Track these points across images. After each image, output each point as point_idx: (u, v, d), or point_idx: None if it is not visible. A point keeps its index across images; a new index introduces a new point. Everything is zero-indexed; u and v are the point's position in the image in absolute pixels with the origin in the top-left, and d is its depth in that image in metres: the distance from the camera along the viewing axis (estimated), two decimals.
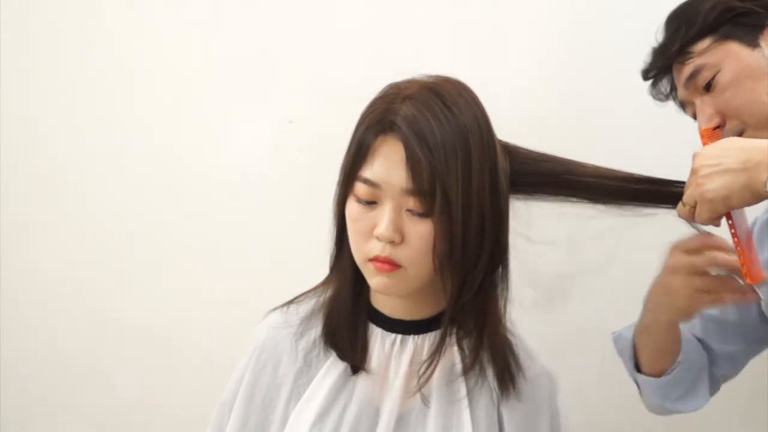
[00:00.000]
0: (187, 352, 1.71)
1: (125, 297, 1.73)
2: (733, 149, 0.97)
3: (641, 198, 1.10)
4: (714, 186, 0.96)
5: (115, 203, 1.73)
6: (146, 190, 1.72)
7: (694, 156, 1.00)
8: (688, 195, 1.00)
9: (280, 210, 1.68)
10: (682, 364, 1.19)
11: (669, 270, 1.07)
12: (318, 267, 1.11)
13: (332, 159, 1.03)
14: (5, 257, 1.77)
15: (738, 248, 1.02)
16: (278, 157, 1.68)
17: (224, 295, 1.68)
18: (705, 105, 1.18)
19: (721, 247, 1.03)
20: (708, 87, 1.17)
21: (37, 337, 1.77)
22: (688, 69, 1.18)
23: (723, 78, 1.16)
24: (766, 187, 0.91)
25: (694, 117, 1.22)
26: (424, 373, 1.02)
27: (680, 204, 1.02)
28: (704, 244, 1.04)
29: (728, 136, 1.12)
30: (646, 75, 1.26)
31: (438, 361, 1.02)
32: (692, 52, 1.18)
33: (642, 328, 1.19)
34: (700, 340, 1.27)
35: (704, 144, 1.07)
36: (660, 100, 1.28)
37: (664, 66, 1.23)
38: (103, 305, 1.74)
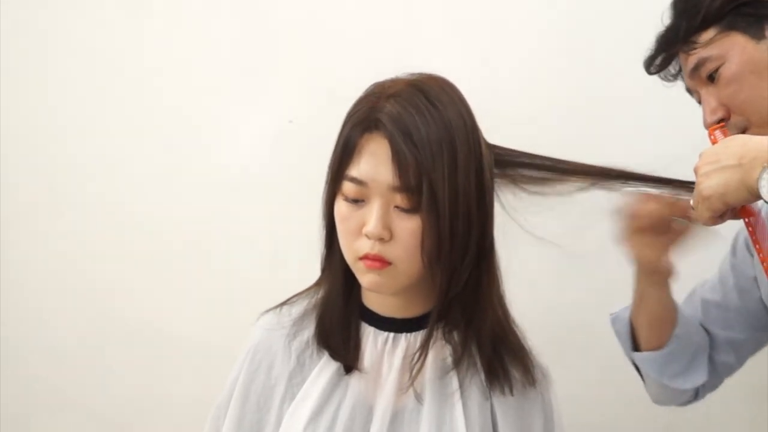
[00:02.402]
0: (188, 351, 1.72)
1: (126, 296, 1.74)
2: (733, 146, 0.96)
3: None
4: (711, 183, 0.95)
5: (115, 202, 1.74)
6: (147, 189, 1.73)
7: (699, 156, 0.99)
8: (693, 196, 0.99)
9: (280, 209, 1.68)
10: (679, 337, 1.20)
11: (620, 241, 1.13)
12: (319, 266, 1.10)
13: None
14: (6, 255, 1.78)
15: (756, 246, 1.01)
16: (278, 157, 1.68)
17: (224, 294, 1.69)
18: (709, 96, 1.15)
19: (642, 201, 1.08)
20: (712, 78, 1.15)
21: (38, 335, 1.78)
22: (692, 60, 1.16)
23: (727, 71, 1.13)
24: (758, 183, 0.89)
25: (700, 102, 1.19)
26: (414, 365, 1.02)
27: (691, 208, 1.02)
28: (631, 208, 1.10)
29: (733, 131, 1.11)
30: (650, 62, 1.23)
31: (427, 354, 1.02)
32: (696, 43, 1.15)
33: (636, 301, 1.20)
34: (702, 326, 1.27)
35: (712, 143, 1.06)
36: (668, 80, 1.24)
37: (668, 56, 1.20)
38: (104, 304, 1.75)
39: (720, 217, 0.98)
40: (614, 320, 1.28)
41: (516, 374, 1.05)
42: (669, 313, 1.20)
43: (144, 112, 1.73)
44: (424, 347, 1.02)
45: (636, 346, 1.24)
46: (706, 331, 1.27)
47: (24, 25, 1.75)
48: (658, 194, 1.08)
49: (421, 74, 1.01)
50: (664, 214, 1.09)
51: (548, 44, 1.61)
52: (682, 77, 1.23)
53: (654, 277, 1.16)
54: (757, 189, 0.89)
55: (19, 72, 1.76)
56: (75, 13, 1.74)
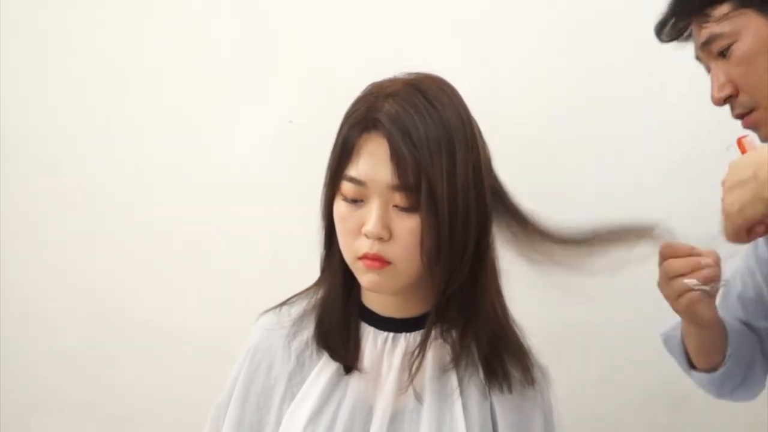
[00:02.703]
0: (188, 351, 1.72)
1: (126, 296, 1.74)
2: (750, 158, 0.94)
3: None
4: (730, 199, 0.94)
5: (115, 202, 1.73)
6: (147, 189, 1.73)
7: (728, 167, 0.98)
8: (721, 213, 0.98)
9: (280, 209, 1.68)
10: (732, 356, 1.17)
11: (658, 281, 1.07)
12: (319, 266, 1.10)
13: None
14: (8, 254, 1.78)
15: None
16: (278, 157, 1.68)
17: (224, 294, 1.69)
18: (719, 71, 1.12)
19: (674, 255, 1.02)
20: (723, 54, 1.11)
21: (38, 335, 1.78)
22: (704, 33, 1.12)
23: (739, 49, 1.10)
24: None
25: (709, 71, 1.16)
26: (412, 363, 1.02)
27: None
28: (664, 253, 1.03)
29: (739, 109, 1.10)
30: (661, 28, 1.18)
31: (425, 353, 1.02)
32: (710, 16, 1.11)
33: (684, 330, 1.17)
34: (744, 323, 1.24)
35: (742, 152, 1.03)
36: (680, 41, 1.19)
37: (681, 25, 1.16)
38: (104, 304, 1.75)
39: (749, 232, 0.96)
40: (666, 339, 1.24)
41: (515, 373, 1.05)
42: (717, 340, 1.15)
43: (144, 112, 1.73)
44: (423, 346, 1.02)
45: (691, 362, 1.21)
46: (750, 327, 1.23)
47: (24, 25, 1.75)
48: (682, 246, 1.02)
49: (418, 74, 1.01)
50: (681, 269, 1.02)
51: (548, 44, 1.61)
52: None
53: (689, 317, 1.10)
54: None
55: (19, 72, 1.76)
56: (75, 13, 1.74)
